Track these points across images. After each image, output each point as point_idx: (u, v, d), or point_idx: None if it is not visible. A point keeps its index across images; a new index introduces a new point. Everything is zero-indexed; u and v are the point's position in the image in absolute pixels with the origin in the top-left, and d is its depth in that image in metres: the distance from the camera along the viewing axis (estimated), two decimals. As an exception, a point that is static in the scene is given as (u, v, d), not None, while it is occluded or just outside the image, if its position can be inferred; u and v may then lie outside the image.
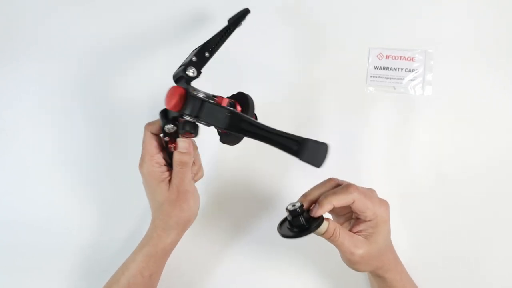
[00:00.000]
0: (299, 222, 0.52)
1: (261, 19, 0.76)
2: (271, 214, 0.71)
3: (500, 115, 0.71)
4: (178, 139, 0.56)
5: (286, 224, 0.55)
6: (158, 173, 0.57)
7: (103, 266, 0.62)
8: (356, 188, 0.52)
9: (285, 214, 0.55)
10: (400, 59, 0.73)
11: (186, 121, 0.53)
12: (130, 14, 0.78)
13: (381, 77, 0.73)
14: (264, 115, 0.73)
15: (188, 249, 0.69)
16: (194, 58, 0.56)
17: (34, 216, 0.73)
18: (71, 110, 0.75)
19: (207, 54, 0.57)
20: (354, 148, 0.72)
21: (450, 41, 0.73)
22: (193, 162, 0.59)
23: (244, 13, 0.60)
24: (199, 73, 0.56)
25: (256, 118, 0.57)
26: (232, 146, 0.54)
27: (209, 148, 0.66)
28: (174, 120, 0.56)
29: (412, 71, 0.73)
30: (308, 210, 0.54)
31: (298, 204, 0.53)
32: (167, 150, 0.58)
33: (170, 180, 0.58)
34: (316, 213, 0.52)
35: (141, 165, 0.58)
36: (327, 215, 0.56)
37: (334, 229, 0.52)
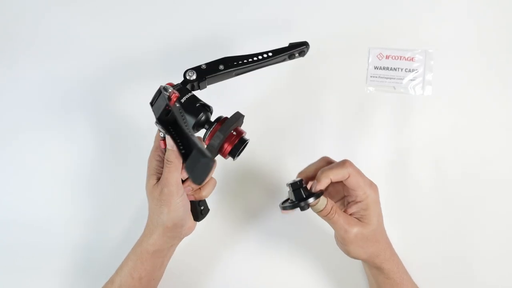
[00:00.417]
0: (301, 194, 0.54)
1: (261, 19, 0.76)
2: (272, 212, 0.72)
3: (500, 115, 0.71)
4: (167, 137, 0.56)
5: (287, 203, 0.56)
6: (154, 165, 0.58)
7: (103, 266, 0.62)
8: (351, 163, 0.55)
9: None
10: (400, 59, 0.73)
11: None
12: (131, 14, 0.78)
13: (381, 77, 0.73)
14: (264, 115, 0.74)
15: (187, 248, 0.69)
16: (203, 66, 0.56)
17: (34, 216, 0.73)
18: (71, 110, 0.75)
19: (221, 67, 0.56)
20: (354, 148, 0.72)
21: (450, 41, 0.73)
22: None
23: (297, 45, 0.58)
24: (201, 79, 0.55)
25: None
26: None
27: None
28: None
29: (412, 71, 0.73)
30: (306, 188, 0.56)
31: (298, 179, 0.55)
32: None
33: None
34: (315, 188, 0.54)
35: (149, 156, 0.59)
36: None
37: (332, 207, 0.54)
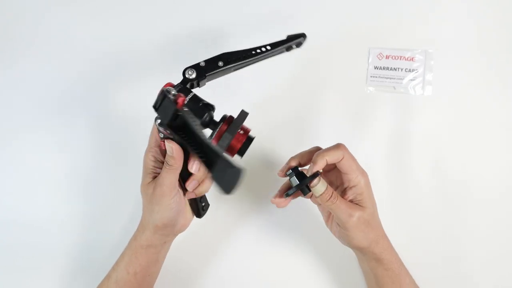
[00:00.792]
0: (303, 175, 0.56)
1: (261, 19, 0.76)
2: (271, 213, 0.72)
3: (500, 115, 0.71)
4: (166, 140, 0.54)
5: (290, 190, 0.57)
6: (149, 164, 0.58)
7: (103, 266, 0.62)
8: (345, 147, 0.57)
9: None
10: (400, 59, 0.73)
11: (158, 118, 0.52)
12: (131, 14, 0.78)
13: (381, 77, 0.73)
14: (264, 115, 0.74)
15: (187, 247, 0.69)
16: (202, 63, 0.55)
17: (34, 216, 0.73)
18: (70, 110, 0.75)
19: (220, 63, 0.55)
20: (354, 148, 0.72)
21: (450, 41, 0.73)
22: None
23: (295, 37, 0.58)
24: (201, 77, 0.54)
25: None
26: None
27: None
28: None
29: (412, 71, 0.73)
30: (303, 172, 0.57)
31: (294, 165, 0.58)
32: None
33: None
34: (312, 170, 0.55)
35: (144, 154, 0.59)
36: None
37: (332, 191, 0.56)
